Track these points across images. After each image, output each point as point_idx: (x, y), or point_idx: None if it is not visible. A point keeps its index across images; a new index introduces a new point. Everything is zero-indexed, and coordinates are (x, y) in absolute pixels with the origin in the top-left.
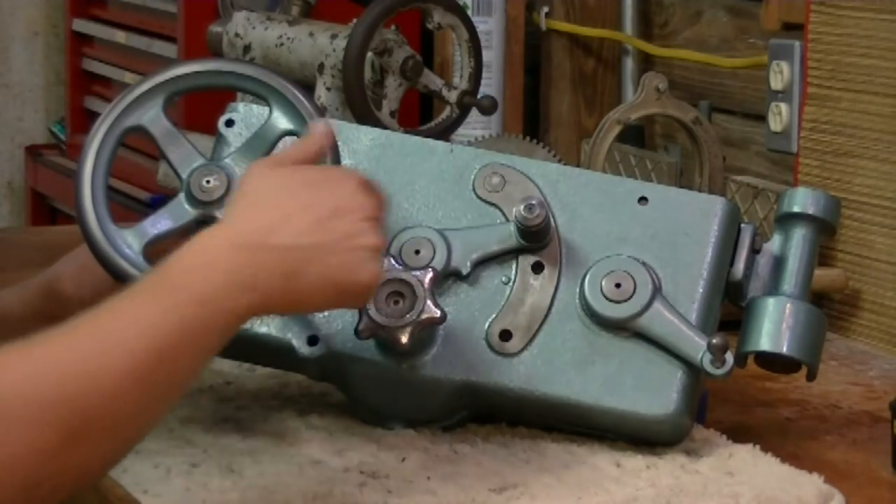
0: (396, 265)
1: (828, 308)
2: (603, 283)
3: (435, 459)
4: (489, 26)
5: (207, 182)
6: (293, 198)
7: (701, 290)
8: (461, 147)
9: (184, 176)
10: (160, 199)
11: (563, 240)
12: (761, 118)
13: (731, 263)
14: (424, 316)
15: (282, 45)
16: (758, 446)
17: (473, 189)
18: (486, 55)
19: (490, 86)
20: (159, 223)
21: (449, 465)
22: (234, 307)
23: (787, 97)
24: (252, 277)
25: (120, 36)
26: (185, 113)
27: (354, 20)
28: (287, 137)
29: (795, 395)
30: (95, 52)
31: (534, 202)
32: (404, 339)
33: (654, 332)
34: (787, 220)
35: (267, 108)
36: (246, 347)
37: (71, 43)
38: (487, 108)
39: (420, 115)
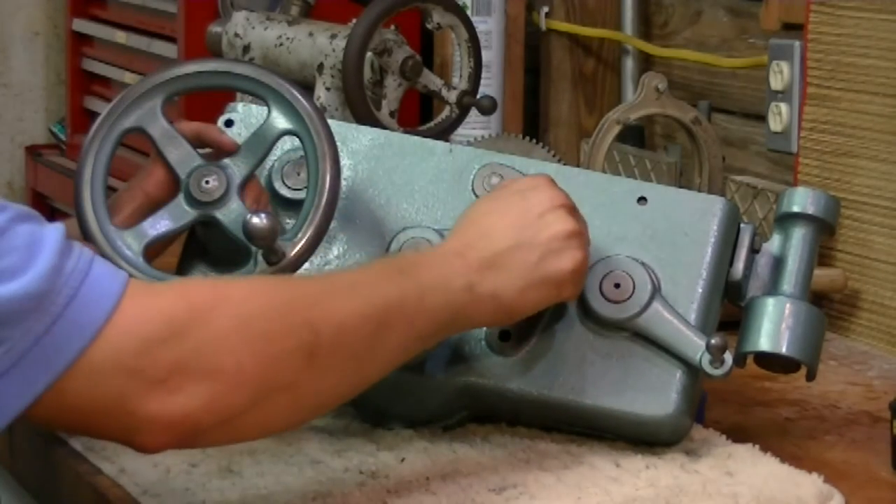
0: None
1: (827, 308)
2: (602, 283)
3: (434, 459)
4: (489, 26)
5: (206, 182)
6: (490, 214)
7: (700, 291)
8: (460, 147)
9: (182, 177)
10: None
11: None
12: (761, 118)
13: (731, 263)
14: None
15: (281, 45)
16: (757, 446)
17: (473, 189)
18: (486, 55)
19: (490, 86)
20: (159, 224)
21: (448, 465)
22: (450, 301)
23: (786, 97)
24: (464, 279)
25: (120, 36)
26: (185, 113)
27: (354, 20)
28: (285, 137)
29: (795, 395)
30: (95, 52)
31: None
32: None
33: (653, 333)
34: (786, 220)
35: (266, 109)
36: None
37: (71, 43)
38: (487, 108)
39: (420, 115)
